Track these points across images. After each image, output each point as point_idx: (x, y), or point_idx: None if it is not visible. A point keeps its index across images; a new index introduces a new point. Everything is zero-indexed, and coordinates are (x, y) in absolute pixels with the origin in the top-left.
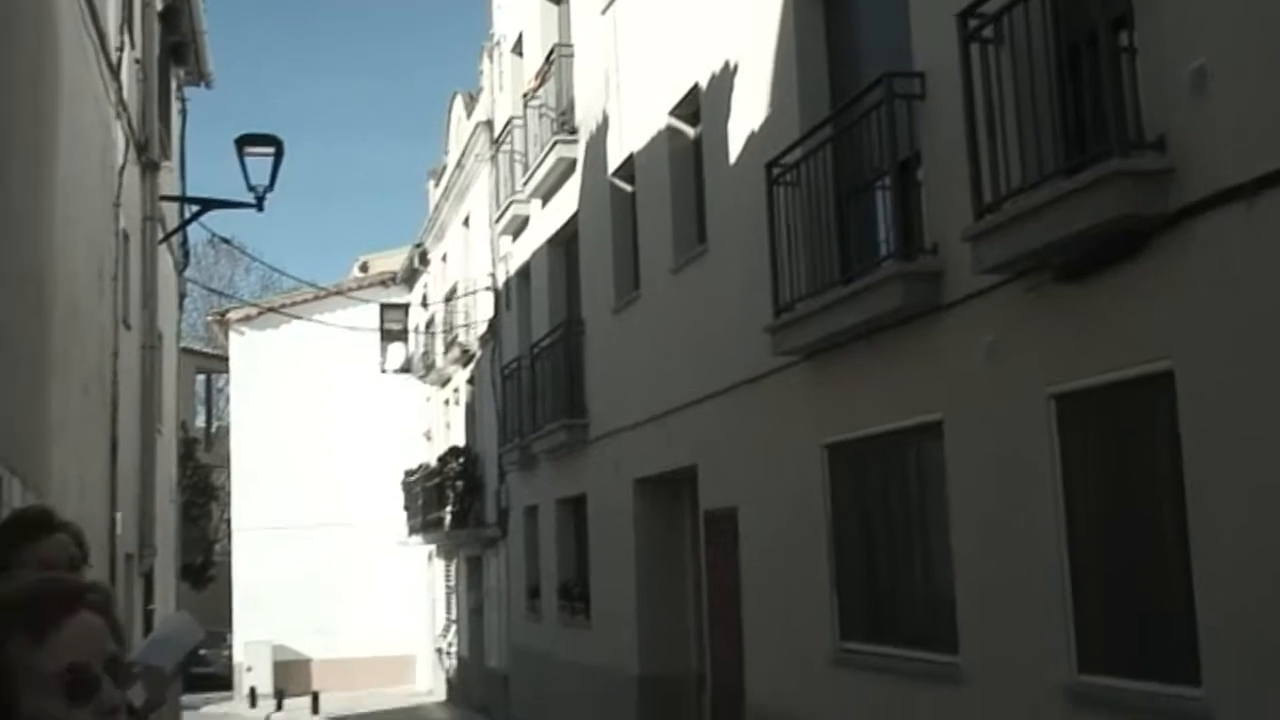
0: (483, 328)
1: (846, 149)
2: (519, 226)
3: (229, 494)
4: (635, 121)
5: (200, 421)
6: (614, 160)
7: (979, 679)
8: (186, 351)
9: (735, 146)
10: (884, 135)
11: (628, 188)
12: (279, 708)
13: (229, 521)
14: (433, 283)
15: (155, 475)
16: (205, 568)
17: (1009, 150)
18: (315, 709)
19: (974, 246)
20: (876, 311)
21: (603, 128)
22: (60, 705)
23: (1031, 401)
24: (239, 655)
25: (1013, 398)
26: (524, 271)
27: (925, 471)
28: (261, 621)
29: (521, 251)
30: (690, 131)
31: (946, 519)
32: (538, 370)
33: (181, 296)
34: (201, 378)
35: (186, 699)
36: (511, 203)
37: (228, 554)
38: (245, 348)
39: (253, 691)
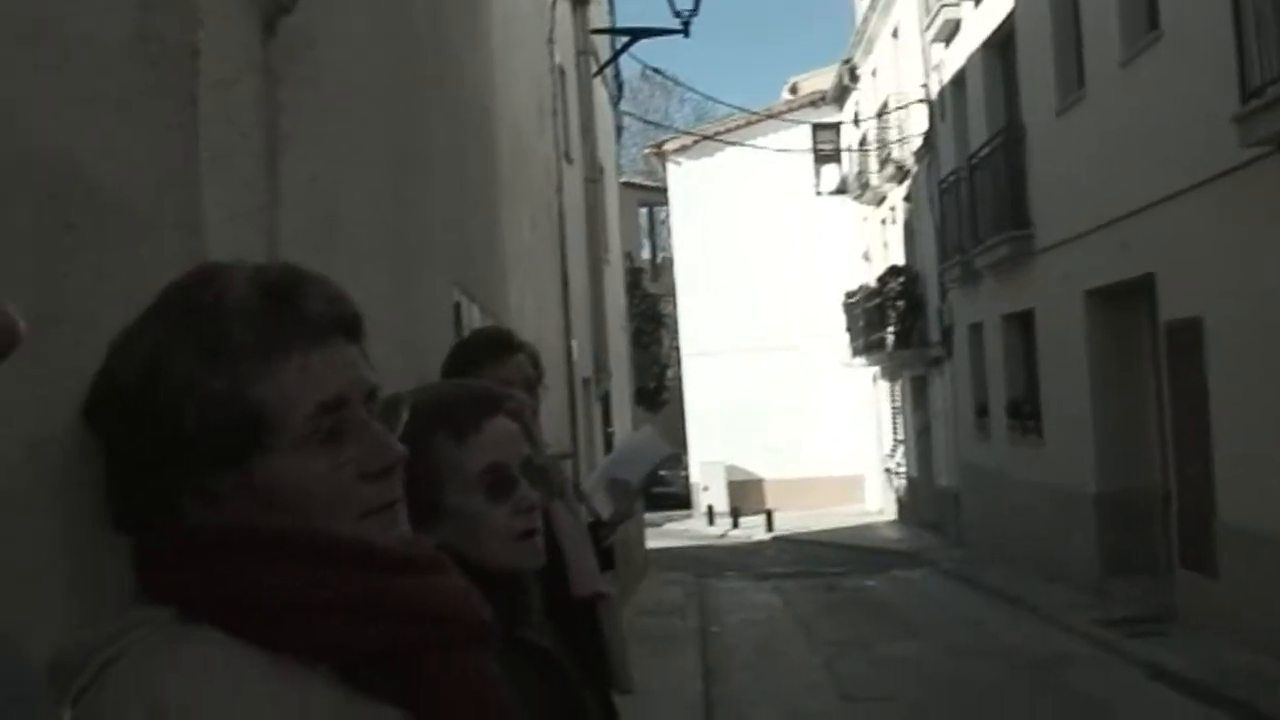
0: (917, 142)
1: None
2: (950, 32)
3: (676, 321)
4: None
5: (645, 253)
6: None
7: None
8: (627, 185)
9: None
10: None
11: None
12: (735, 525)
13: (678, 348)
14: (863, 99)
15: (605, 304)
16: (658, 391)
17: None
18: (769, 526)
19: None
20: None
21: None
22: (481, 502)
23: None
24: (695, 475)
25: None
26: (958, 79)
27: None
28: (715, 443)
29: (954, 58)
30: None
31: None
32: (977, 182)
33: (618, 130)
34: (644, 210)
35: (649, 516)
36: (942, 7)
37: (679, 379)
38: (683, 178)
39: (710, 510)
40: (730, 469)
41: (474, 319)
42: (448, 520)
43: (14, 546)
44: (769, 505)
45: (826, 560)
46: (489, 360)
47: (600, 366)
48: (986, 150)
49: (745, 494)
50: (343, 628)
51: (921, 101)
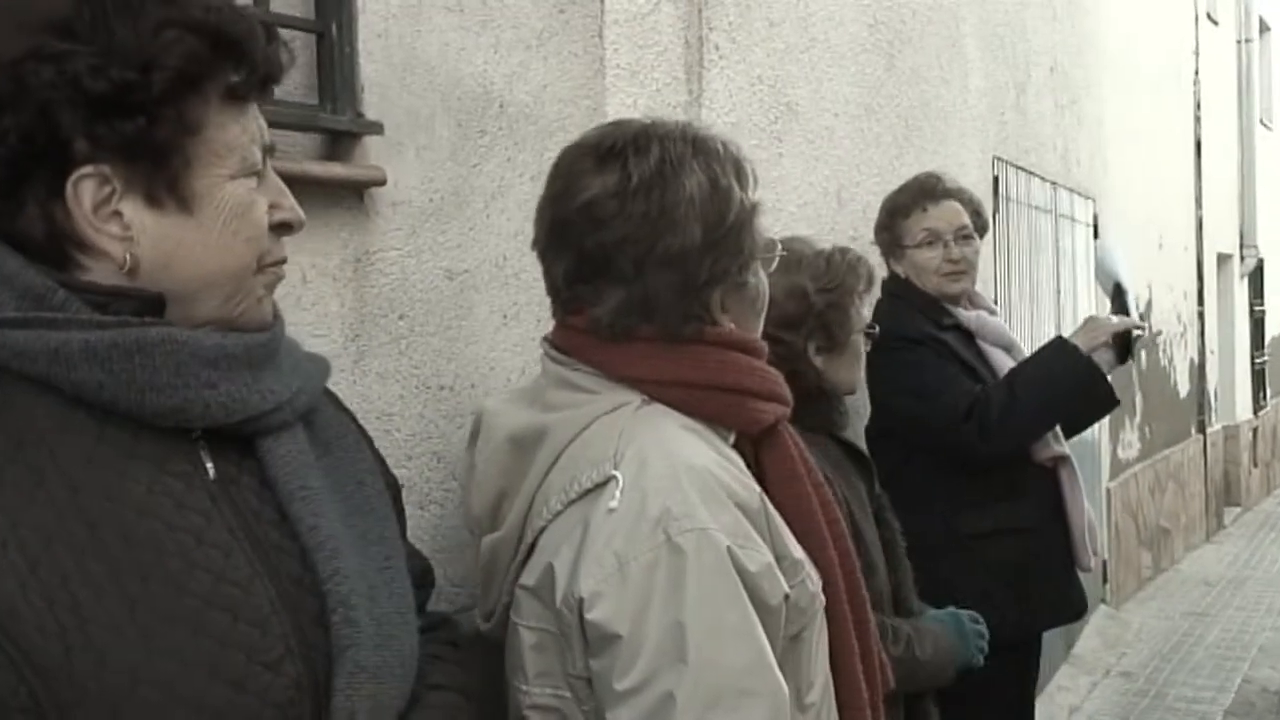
0: None
1: None
2: None
3: None
4: None
5: None
6: None
7: None
8: None
9: None
10: None
11: None
12: None
13: None
14: None
15: (1255, 173)
16: None
17: None
18: None
19: None
20: None
21: None
22: None
23: None
24: None
25: None
26: None
27: None
28: None
29: None
30: None
31: None
32: None
33: None
34: None
35: None
36: None
37: None
38: None
39: None
40: None
41: (1019, 191)
42: None
43: (423, 349)
44: None
45: None
46: (914, 208)
47: (1246, 242)
48: None
49: None
50: (754, 405)
51: None
